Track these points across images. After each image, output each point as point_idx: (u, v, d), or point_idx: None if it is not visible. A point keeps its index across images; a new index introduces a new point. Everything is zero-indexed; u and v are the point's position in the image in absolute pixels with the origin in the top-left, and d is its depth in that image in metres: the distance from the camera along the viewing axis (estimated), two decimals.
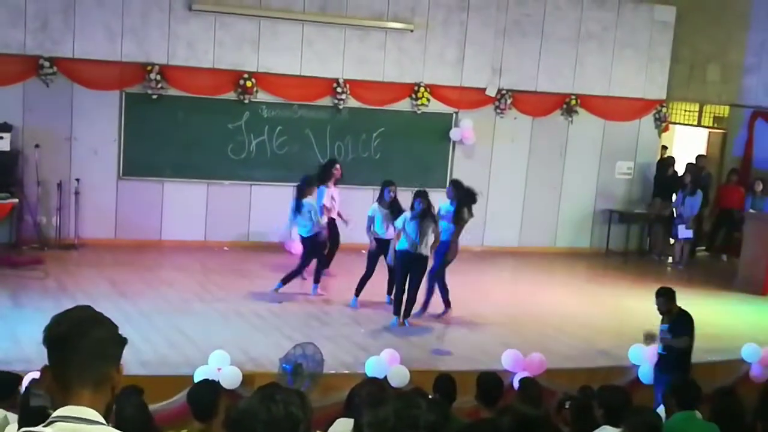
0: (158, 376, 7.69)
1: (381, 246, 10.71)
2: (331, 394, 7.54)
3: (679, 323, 8.47)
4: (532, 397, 6.61)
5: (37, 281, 10.70)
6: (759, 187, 14.35)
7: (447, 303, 10.67)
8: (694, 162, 15.73)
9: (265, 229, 13.50)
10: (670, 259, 15.05)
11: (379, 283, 10.89)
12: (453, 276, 10.83)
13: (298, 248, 12.68)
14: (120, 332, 2.41)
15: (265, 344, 9.00)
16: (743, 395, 6.76)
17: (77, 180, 12.65)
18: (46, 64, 12.28)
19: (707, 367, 9.06)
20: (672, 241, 15.09)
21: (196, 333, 9.20)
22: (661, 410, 6.19)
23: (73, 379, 2.32)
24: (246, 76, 13.20)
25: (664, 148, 16.82)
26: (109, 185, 12.95)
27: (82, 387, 2.32)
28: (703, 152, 16.35)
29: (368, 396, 5.09)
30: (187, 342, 8.92)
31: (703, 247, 15.64)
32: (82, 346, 2.32)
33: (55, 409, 2.30)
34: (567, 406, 6.39)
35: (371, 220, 10.84)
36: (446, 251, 10.51)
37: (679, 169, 15.66)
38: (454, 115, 14.48)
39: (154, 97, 12.84)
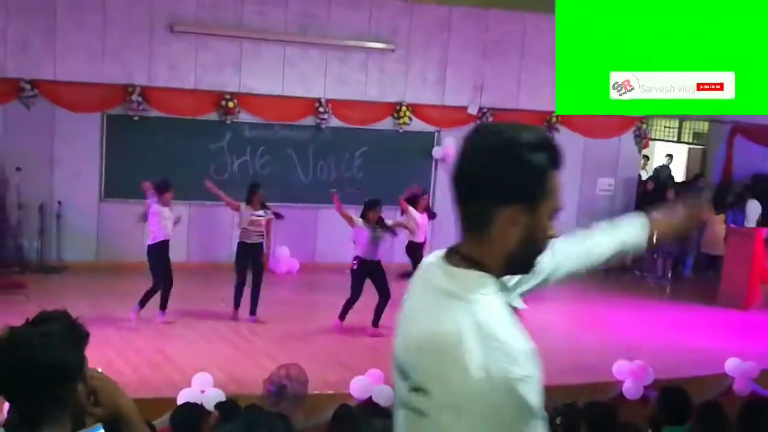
0: (140, 398, 7.61)
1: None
2: (316, 415, 7.51)
3: None
4: None
5: (17, 305, 10.58)
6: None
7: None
8: (685, 180, 15.71)
9: None
10: (654, 274, 15.09)
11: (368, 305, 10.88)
12: None
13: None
14: (79, 328, 2.35)
15: (248, 365, 8.96)
16: (726, 409, 6.77)
17: (59, 202, 12.58)
18: (27, 86, 12.23)
19: (692, 381, 9.07)
20: (655, 256, 15.13)
21: (179, 355, 9.14)
22: None
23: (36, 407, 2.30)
24: (228, 96, 13.19)
25: (646, 158, 16.85)
26: (90, 207, 12.89)
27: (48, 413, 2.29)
28: (684, 168, 16.43)
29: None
30: (169, 364, 8.87)
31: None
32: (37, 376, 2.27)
33: None
34: (558, 422, 6.37)
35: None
36: None
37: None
38: (436, 133, 14.52)
39: (136, 118, 12.81)
